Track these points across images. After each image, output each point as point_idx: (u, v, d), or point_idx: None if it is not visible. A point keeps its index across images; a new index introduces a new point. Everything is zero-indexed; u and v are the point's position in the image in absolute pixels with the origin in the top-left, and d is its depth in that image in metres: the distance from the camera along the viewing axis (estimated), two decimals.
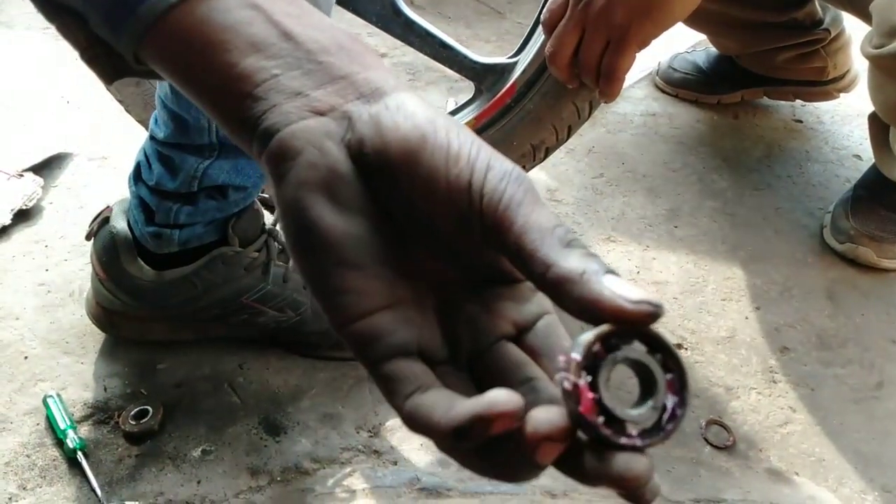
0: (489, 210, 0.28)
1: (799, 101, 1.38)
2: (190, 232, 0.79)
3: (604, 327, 0.26)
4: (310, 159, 0.28)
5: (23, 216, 1.01)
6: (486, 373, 0.30)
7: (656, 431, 0.25)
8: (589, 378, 0.25)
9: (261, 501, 0.74)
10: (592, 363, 0.26)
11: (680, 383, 0.26)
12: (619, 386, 0.27)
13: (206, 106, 0.31)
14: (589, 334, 0.26)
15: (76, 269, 0.95)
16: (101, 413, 0.80)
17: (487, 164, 0.29)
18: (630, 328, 0.26)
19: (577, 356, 0.25)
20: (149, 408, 0.79)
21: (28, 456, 0.76)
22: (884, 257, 1.09)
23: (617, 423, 0.25)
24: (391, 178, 0.29)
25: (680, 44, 1.45)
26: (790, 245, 1.13)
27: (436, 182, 0.28)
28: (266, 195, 0.99)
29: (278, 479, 0.76)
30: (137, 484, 0.74)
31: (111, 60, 0.33)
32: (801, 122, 1.39)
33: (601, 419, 0.25)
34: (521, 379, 0.29)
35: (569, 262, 0.26)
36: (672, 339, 0.97)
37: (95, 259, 0.82)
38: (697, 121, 1.36)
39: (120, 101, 0.98)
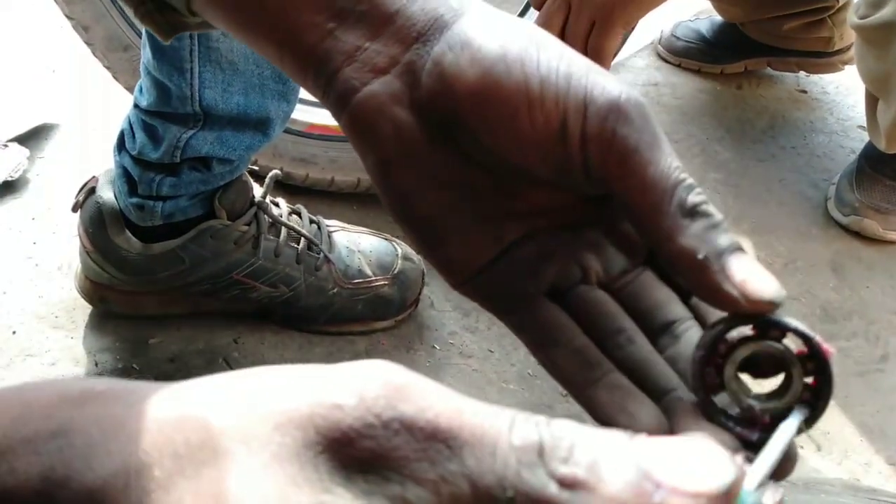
0: (596, 158, 0.24)
1: (803, 72, 1.36)
2: (174, 205, 0.77)
3: (722, 322, 0.24)
4: (383, 133, 0.27)
5: (8, 188, 0.99)
6: (577, 310, 0.28)
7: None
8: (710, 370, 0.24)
9: None
10: (720, 354, 0.24)
11: (817, 372, 0.24)
12: None
13: (272, 61, 0.29)
14: (710, 334, 0.24)
15: (64, 241, 0.92)
16: None
17: (584, 97, 0.24)
18: (747, 319, 0.24)
19: (700, 353, 0.24)
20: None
21: None
22: (889, 229, 1.07)
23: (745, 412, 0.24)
24: (471, 135, 0.26)
25: (683, 11, 1.42)
26: (794, 217, 1.11)
27: (521, 133, 0.25)
28: (255, 167, 0.97)
29: None
30: None
31: (165, 16, 0.32)
32: (805, 92, 1.36)
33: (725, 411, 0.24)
34: (615, 328, 0.27)
35: (687, 238, 0.23)
36: None
37: (82, 230, 0.80)
38: (700, 91, 1.34)
39: (108, 68, 0.95)
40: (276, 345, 0.85)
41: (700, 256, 0.23)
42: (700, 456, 0.17)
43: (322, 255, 0.83)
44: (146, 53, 0.70)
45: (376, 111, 0.26)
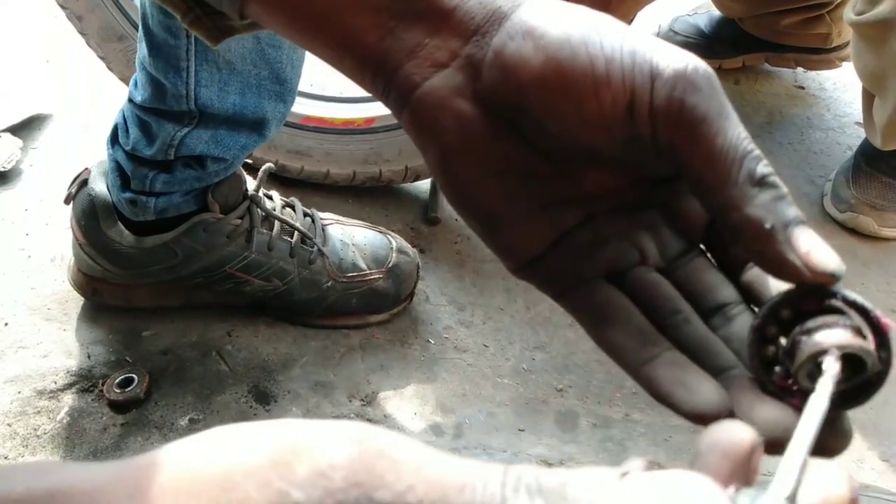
0: (664, 131, 0.25)
1: (801, 68, 1.36)
2: (167, 201, 0.76)
3: (782, 296, 0.25)
4: (445, 126, 0.27)
5: (1, 178, 0.98)
6: (634, 292, 0.28)
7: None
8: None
9: None
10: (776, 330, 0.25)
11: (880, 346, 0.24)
12: None
13: (328, 63, 0.29)
14: (763, 309, 0.25)
15: (57, 233, 0.92)
16: (84, 381, 0.78)
17: (650, 71, 0.24)
18: (811, 291, 0.24)
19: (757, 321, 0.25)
20: (134, 376, 0.77)
21: (9, 425, 0.74)
22: (884, 226, 1.07)
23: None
24: (536, 121, 0.26)
25: (681, 6, 1.41)
26: None
27: (589, 115, 0.25)
28: (249, 160, 0.96)
29: None
30: (123, 454, 0.72)
31: (213, 21, 0.32)
32: (802, 88, 1.36)
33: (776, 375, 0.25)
34: (672, 309, 0.27)
35: (755, 208, 0.24)
36: None
37: (75, 223, 0.79)
38: None
39: (102, 58, 0.94)
40: (270, 338, 0.85)
41: (767, 226, 0.24)
42: (690, 495, 0.17)
43: (316, 248, 0.83)
44: (142, 49, 0.70)
45: (438, 104, 0.27)
